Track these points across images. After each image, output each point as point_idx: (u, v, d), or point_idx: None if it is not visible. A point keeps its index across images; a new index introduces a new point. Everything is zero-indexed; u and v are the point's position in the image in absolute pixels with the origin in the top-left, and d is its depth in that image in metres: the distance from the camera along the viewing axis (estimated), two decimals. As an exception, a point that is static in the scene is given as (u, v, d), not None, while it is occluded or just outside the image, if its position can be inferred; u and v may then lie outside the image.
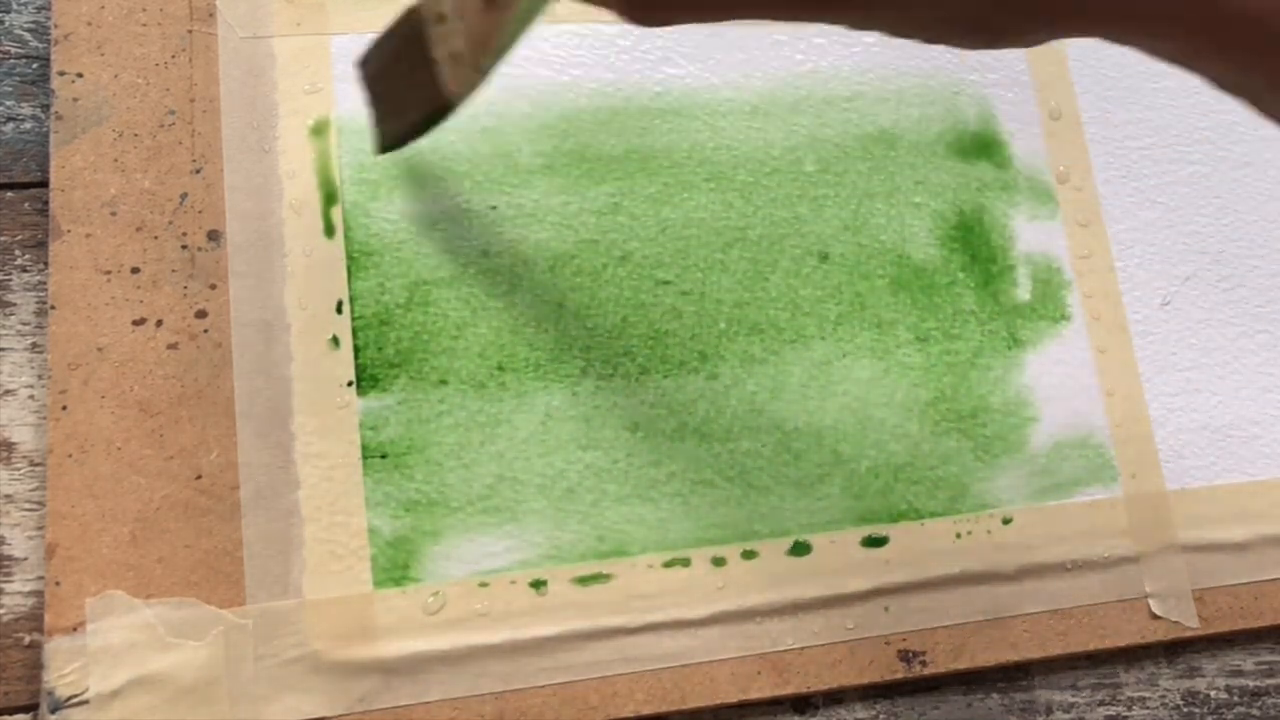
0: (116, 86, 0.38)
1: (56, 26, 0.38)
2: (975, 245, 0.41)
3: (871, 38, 0.43)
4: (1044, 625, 0.38)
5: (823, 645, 0.36)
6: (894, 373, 0.39)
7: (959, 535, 0.38)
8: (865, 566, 0.37)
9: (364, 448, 0.36)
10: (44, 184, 0.37)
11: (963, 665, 0.37)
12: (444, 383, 0.37)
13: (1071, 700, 0.38)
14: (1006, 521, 0.38)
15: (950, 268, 0.41)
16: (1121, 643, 0.38)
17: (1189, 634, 0.38)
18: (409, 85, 0.34)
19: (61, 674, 0.32)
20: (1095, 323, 0.41)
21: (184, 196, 0.37)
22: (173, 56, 0.38)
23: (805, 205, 0.41)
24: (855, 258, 0.40)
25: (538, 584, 0.35)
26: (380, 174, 0.38)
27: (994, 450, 0.39)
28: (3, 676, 0.33)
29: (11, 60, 0.39)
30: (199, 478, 0.35)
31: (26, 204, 0.37)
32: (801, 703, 0.36)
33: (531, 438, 0.37)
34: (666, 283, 0.39)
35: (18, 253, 0.37)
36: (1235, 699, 0.39)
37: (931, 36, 0.27)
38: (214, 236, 0.37)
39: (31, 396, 0.36)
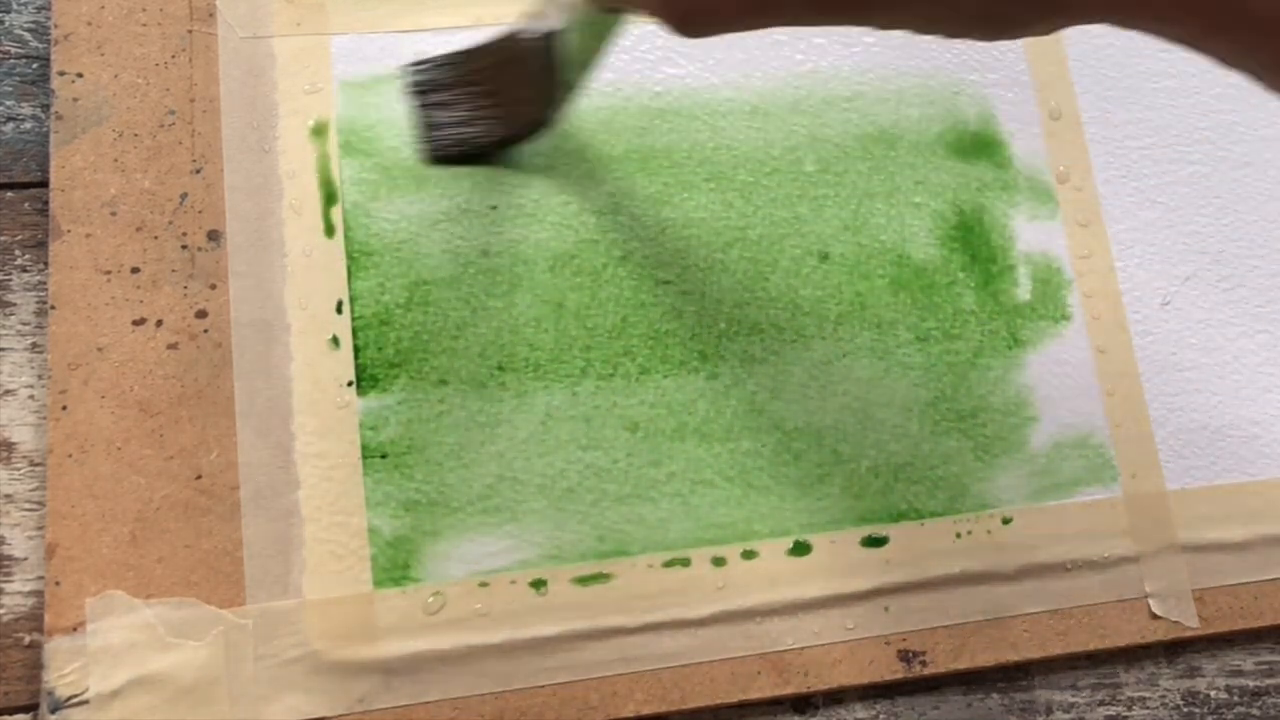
0: (116, 86, 0.38)
1: (56, 26, 0.38)
2: (975, 245, 0.41)
3: (871, 38, 0.43)
4: (1044, 625, 0.38)
5: (823, 645, 0.36)
6: (894, 373, 0.39)
7: (959, 535, 0.38)
8: (865, 566, 0.37)
9: (364, 448, 0.36)
10: (44, 184, 0.37)
11: (963, 665, 0.37)
12: (444, 383, 0.37)
13: (1071, 700, 0.38)
14: (1006, 521, 0.38)
15: (950, 268, 0.41)
16: (1121, 643, 0.38)
17: (1189, 634, 0.38)
18: (498, 103, 0.37)
19: (61, 674, 0.32)
20: (1095, 323, 0.41)
21: (184, 196, 0.37)
22: (173, 56, 0.38)
23: (805, 205, 0.41)
24: (855, 258, 0.40)
25: (538, 584, 0.35)
26: (380, 174, 0.38)
27: (994, 450, 0.39)
28: (3, 676, 0.33)
29: (11, 60, 0.39)
30: (199, 478, 0.35)
31: (26, 204, 0.37)
32: (801, 703, 0.36)
33: (531, 438, 0.37)
34: (666, 283, 0.39)
35: (18, 253, 0.37)
36: (1235, 699, 0.39)
37: (951, 32, 0.27)
38: (214, 236, 0.37)
39: (31, 396, 0.36)
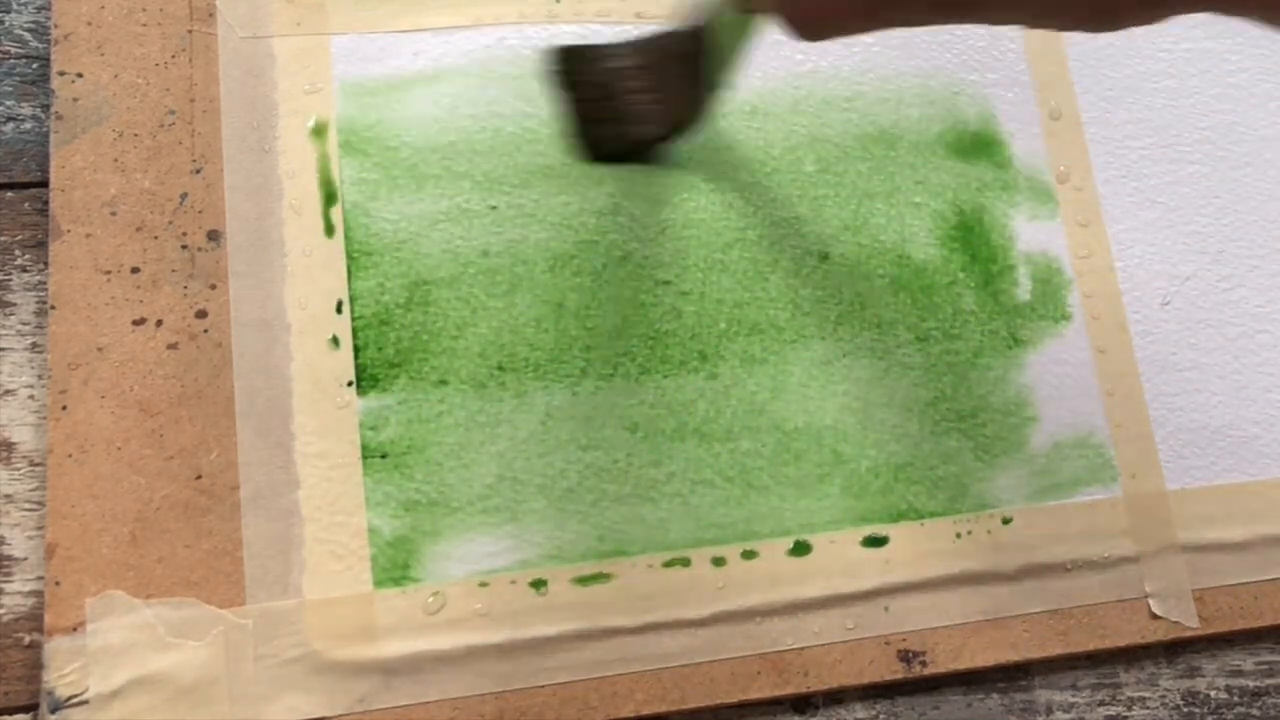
0: (116, 86, 0.38)
1: (56, 26, 0.38)
2: (975, 245, 0.41)
3: (871, 37, 0.43)
4: (1044, 625, 0.38)
5: (823, 645, 0.36)
6: (894, 373, 0.39)
7: (959, 535, 0.38)
8: (865, 566, 0.37)
9: (364, 448, 0.36)
10: (44, 184, 0.37)
11: (963, 665, 0.37)
12: (444, 383, 0.37)
13: (1071, 700, 0.38)
14: (1006, 521, 0.38)
15: (950, 268, 0.41)
16: (1121, 643, 0.38)
17: (1189, 634, 0.38)
18: (651, 102, 0.37)
19: (61, 674, 0.32)
20: (1095, 322, 0.41)
21: (184, 196, 0.37)
22: (173, 56, 0.38)
23: (805, 205, 0.41)
24: (855, 258, 0.40)
25: (538, 584, 0.35)
26: (380, 174, 0.38)
27: (994, 450, 0.39)
28: (3, 676, 0.33)
29: (11, 60, 0.39)
30: (199, 478, 0.35)
31: (26, 204, 0.37)
32: (801, 703, 0.36)
33: (531, 438, 0.37)
34: (666, 283, 0.39)
35: (18, 253, 0.37)
36: (1235, 699, 0.39)
37: (1062, 25, 0.28)
38: (214, 236, 0.37)
39: (31, 396, 0.36)
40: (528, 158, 0.39)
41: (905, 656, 0.36)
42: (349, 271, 0.37)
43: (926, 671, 0.36)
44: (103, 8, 0.38)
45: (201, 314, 0.36)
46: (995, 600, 0.37)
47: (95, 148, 0.37)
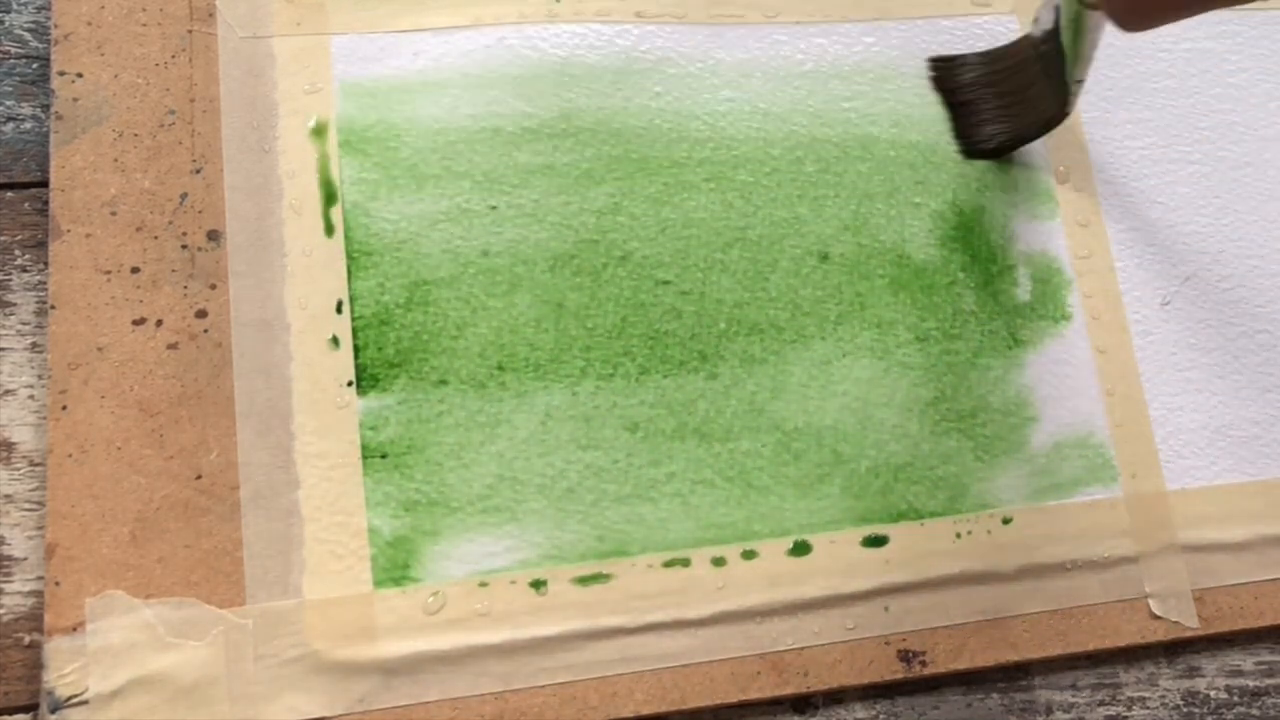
0: (116, 86, 0.38)
1: (56, 26, 0.38)
2: (975, 245, 0.41)
3: (871, 37, 0.43)
4: (1044, 625, 0.38)
5: (823, 645, 0.36)
6: (894, 373, 0.39)
7: (959, 535, 0.38)
8: (865, 566, 0.37)
9: (364, 448, 0.36)
10: (44, 184, 0.37)
11: (963, 665, 0.37)
12: (444, 383, 0.37)
13: (1071, 700, 0.38)
14: (1006, 521, 0.38)
15: (950, 268, 0.41)
16: (1121, 643, 0.38)
17: (1189, 634, 0.38)
18: (1020, 100, 0.41)
19: (61, 674, 0.32)
20: (1095, 323, 0.41)
21: (184, 196, 0.37)
22: (173, 56, 0.38)
23: (805, 205, 0.41)
24: (855, 258, 0.40)
25: (538, 584, 0.35)
26: (380, 174, 0.38)
27: (994, 450, 0.39)
28: (3, 676, 0.33)
29: (11, 60, 0.39)
30: (199, 478, 0.35)
31: (26, 204, 0.37)
32: (801, 703, 0.36)
33: (531, 438, 0.37)
34: (666, 283, 0.39)
35: (18, 253, 0.37)
36: (1235, 699, 0.39)
37: None
38: (214, 236, 0.37)
39: (31, 396, 0.36)
40: (528, 158, 0.39)
41: (905, 656, 0.36)
42: (349, 271, 0.37)
43: (926, 671, 0.36)
44: (103, 8, 0.38)
45: (201, 314, 0.36)
46: (995, 600, 0.37)
47: (95, 148, 0.37)
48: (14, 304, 0.36)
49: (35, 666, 0.33)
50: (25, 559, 0.34)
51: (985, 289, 0.41)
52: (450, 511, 0.36)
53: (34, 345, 0.36)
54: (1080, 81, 0.39)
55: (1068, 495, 0.39)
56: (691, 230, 0.40)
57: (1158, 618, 0.38)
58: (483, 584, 0.35)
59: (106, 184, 0.37)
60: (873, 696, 0.37)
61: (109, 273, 0.36)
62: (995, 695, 0.37)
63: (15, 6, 0.39)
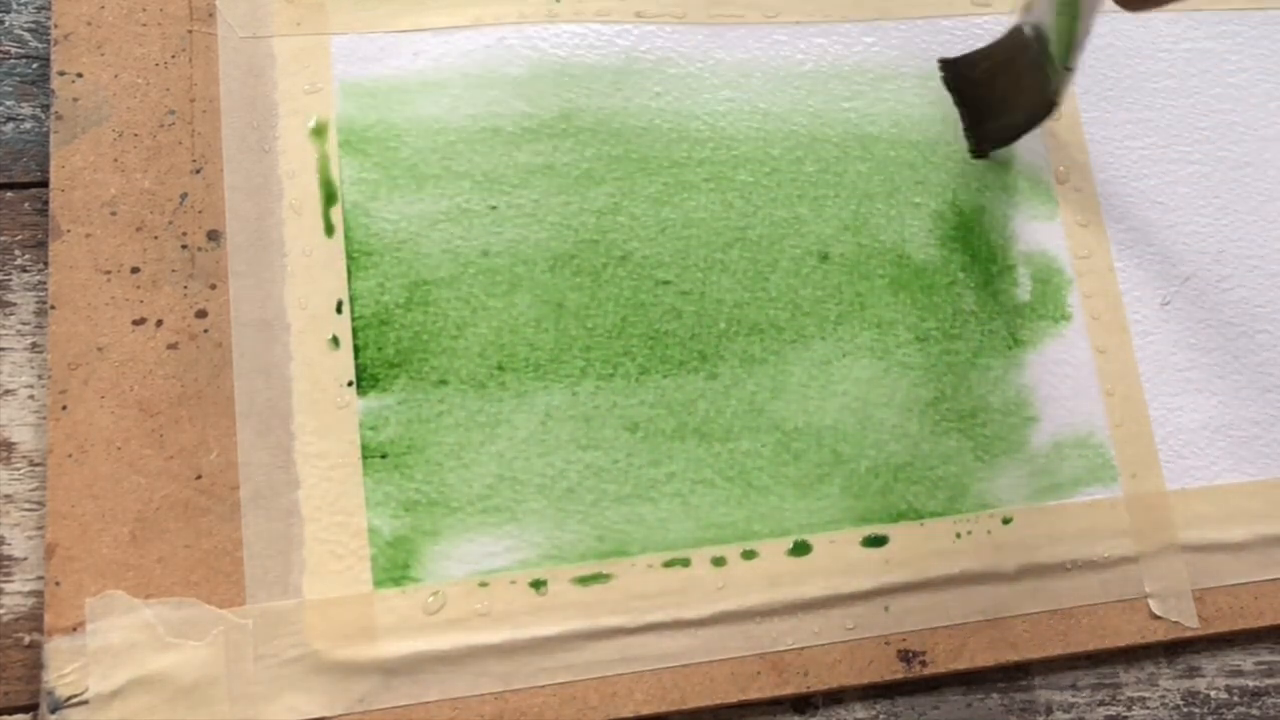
0: (116, 86, 0.38)
1: (56, 26, 0.38)
2: (975, 245, 0.41)
3: (871, 37, 0.43)
4: (1044, 625, 0.38)
5: (823, 645, 0.36)
6: (894, 373, 0.39)
7: (959, 535, 0.38)
8: (865, 566, 0.37)
9: (364, 448, 0.36)
10: (44, 184, 0.37)
11: (963, 665, 0.37)
12: (444, 383, 0.37)
13: (1071, 700, 0.38)
14: (1006, 521, 0.38)
15: (950, 268, 0.41)
16: (1121, 643, 0.38)
17: (1189, 634, 0.38)
18: (1015, 92, 0.41)
19: (61, 674, 0.32)
20: (1095, 323, 0.41)
21: (184, 196, 0.37)
22: (173, 56, 0.38)
23: (805, 205, 0.41)
24: (855, 258, 0.40)
25: (538, 584, 0.35)
26: (380, 174, 0.38)
27: (994, 450, 0.39)
28: (3, 676, 0.33)
29: (11, 60, 0.39)
30: (199, 478, 0.35)
31: (26, 204, 0.37)
32: (801, 703, 0.36)
33: (531, 438, 0.37)
34: (666, 283, 0.39)
35: (18, 253, 0.37)
36: (1235, 699, 0.39)
37: None
38: (214, 236, 0.37)
39: (31, 396, 0.36)
40: (528, 158, 0.39)
41: (905, 656, 0.36)
42: (349, 271, 0.37)
43: (926, 671, 0.36)
44: (103, 8, 0.38)
45: (201, 314, 0.36)
46: (995, 600, 0.37)
47: (95, 148, 0.37)
48: (14, 304, 0.36)
49: (35, 666, 0.33)
50: (25, 559, 0.34)
51: (985, 289, 0.41)
52: (450, 511, 0.36)
53: (34, 345, 0.36)
54: (1071, 70, 0.39)
55: (1068, 495, 0.39)
56: (691, 230, 0.40)
57: (1158, 618, 0.38)
58: (483, 584, 0.35)
59: (106, 184, 0.37)
60: (873, 696, 0.37)
61: (109, 273, 0.36)
62: (995, 695, 0.37)
63: (15, 6, 0.39)
